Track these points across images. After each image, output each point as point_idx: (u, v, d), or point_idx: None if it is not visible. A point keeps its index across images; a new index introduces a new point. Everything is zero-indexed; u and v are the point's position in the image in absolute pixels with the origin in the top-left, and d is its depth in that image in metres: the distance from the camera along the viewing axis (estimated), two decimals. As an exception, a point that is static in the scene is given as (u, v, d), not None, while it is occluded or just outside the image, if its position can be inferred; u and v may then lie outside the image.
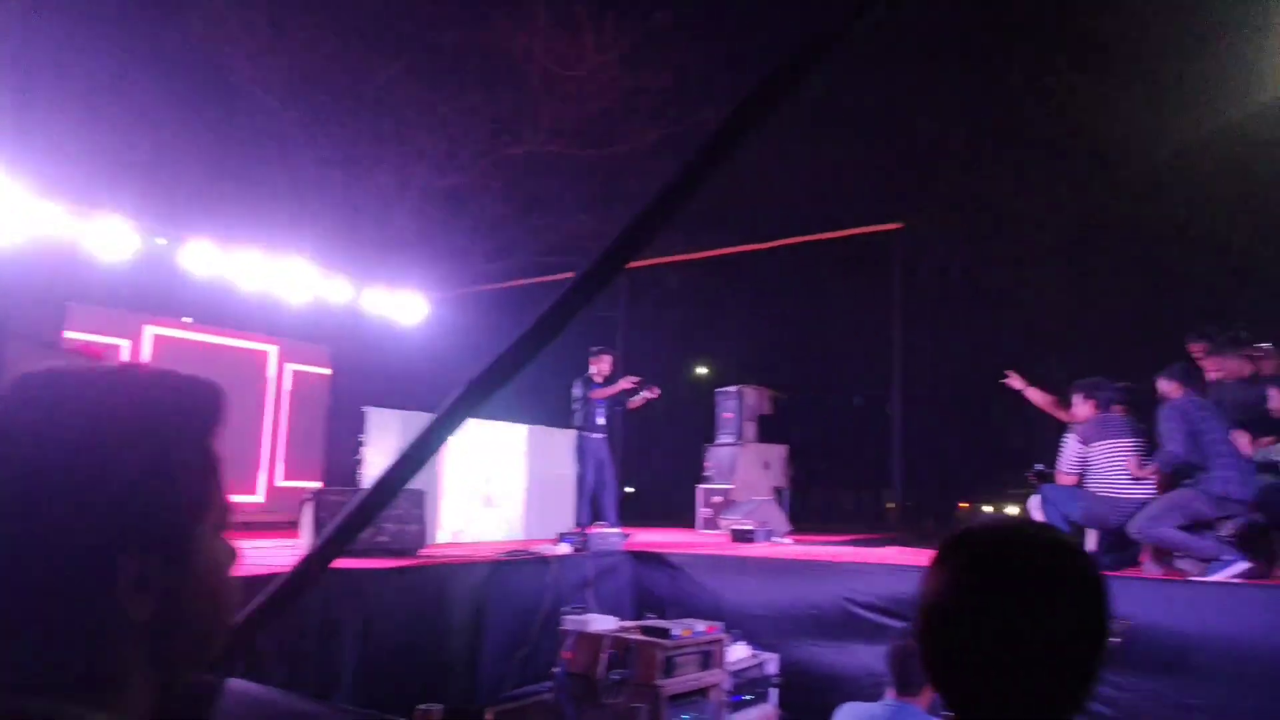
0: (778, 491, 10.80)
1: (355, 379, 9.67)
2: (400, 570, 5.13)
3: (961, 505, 32.85)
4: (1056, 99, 19.37)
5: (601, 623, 4.32)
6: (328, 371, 9.90)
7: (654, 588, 6.21)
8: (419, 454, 1.11)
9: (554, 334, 1.06)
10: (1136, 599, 4.82)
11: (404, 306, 10.85)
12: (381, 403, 7.42)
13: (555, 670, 4.22)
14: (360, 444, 7.30)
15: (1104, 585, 0.99)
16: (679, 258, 17.50)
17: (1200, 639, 4.58)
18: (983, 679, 0.96)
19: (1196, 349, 6.15)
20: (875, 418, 21.35)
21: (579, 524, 7.99)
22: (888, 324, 11.17)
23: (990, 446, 20.55)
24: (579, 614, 4.60)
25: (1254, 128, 18.21)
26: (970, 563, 1.01)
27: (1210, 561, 5.05)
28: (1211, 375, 5.88)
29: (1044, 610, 0.96)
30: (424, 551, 5.84)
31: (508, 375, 1.08)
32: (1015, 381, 6.51)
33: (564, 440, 9.04)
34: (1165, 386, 5.51)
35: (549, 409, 9.73)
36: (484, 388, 1.07)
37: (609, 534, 6.50)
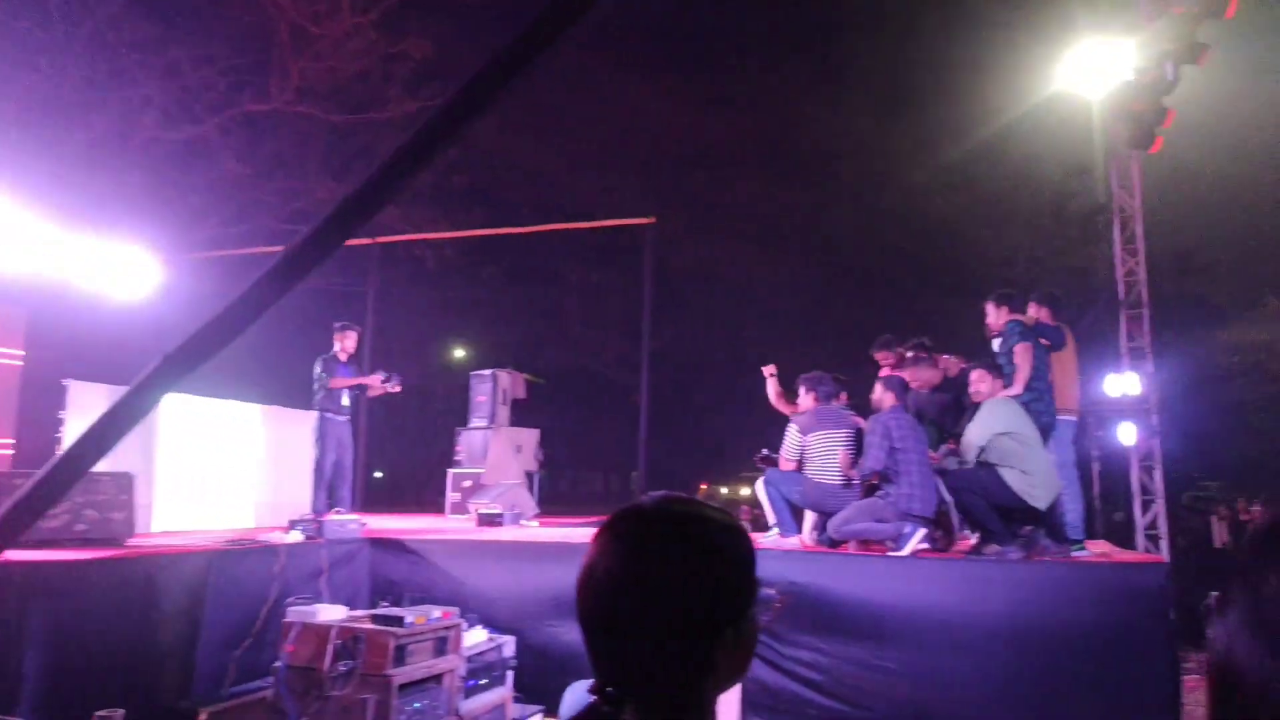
0: (529, 475, 10.88)
1: (59, 351, 8.55)
2: (103, 562, 4.65)
3: (702, 486, 34.83)
4: (800, 109, 20.98)
5: (330, 613, 4.16)
6: (19, 351, 8.66)
7: (392, 575, 6.05)
8: (106, 433, 1.01)
9: (262, 308, 1.00)
10: (840, 573, 5.37)
11: (126, 269, 9.70)
12: (97, 377, 6.65)
13: (277, 665, 4.00)
14: (60, 421, 6.53)
15: (745, 559, 1.08)
16: (437, 235, 17.11)
17: (894, 608, 5.18)
18: (622, 644, 1.01)
19: (883, 359, 6.91)
20: (625, 403, 22.05)
21: (315, 510, 7.62)
22: (638, 313, 11.56)
23: (729, 431, 21.90)
24: (307, 604, 4.39)
25: (973, 162, 20.77)
26: (620, 533, 1.07)
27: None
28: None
29: (680, 578, 1.02)
30: (133, 541, 5.33)
31: (210, 350, 1.01)
32: (769, 370, 7.13)
33: (301, 421, 8.57)
34: (881, 395, 6.11)
35: (285, 387, 9.18)
36: (182, 362, 0.99)
37: (345, 521, 6.25)
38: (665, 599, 1.01)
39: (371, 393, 8.40)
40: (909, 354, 6.68)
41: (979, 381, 5.76)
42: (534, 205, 21.41)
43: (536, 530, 8.07)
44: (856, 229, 21.23)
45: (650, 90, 21.22)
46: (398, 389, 8.33)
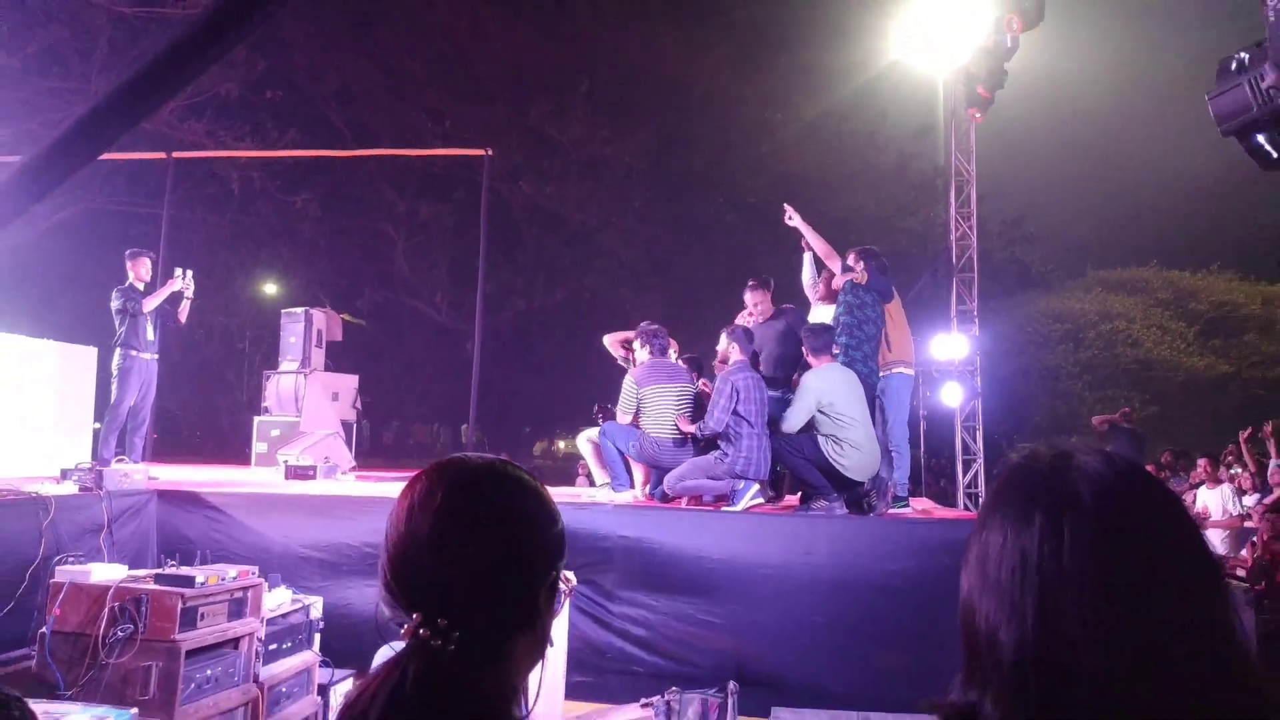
0: (346, 425, 10.52)
1: None
2: None
3: (540, 442, 34.93)
4: (652, 48, 20.96)
5: (106, 572, 3.87)
6: None
7: (187, 532, 5.72)
8: None
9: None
10: (672, 528, 5.52)
11: None
12: None
13: (42, 631, 3.70)
14: None
15: (548, 523, 1.12)
16: (243, 154, 16.00)
17: (724, 563, 5.38)
18: (429, 606, 1.02)
19: (758, 299, 7.08)
20: (458, 350, 21.65)
21: (100, 458, 7.10)
22: (473, 254, 11.31)
23: (569, 383, 21.95)
24: (80, 564, 4.07)
25: (826, 120, 21.40)
26: (425, 493, 1.08)
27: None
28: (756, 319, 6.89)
29: (484, 540, 1.05)
30: None
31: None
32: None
33: (76, 357, 7.92)
34: (726, 347, 6.25)
35: (67, 320, 8.44)
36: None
37: (129, 470, 5.83)
38: (469, 561, 1.04)
39: (183, 315, 7.87)
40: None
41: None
42: (357, 130, 20.42)
43: (351, 484, 7.84)
44: (707, 179, 21.56)
45: (490, 10, 20.53)
46: (190, 286, 7.84)
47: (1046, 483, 0.84)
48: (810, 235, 6.66)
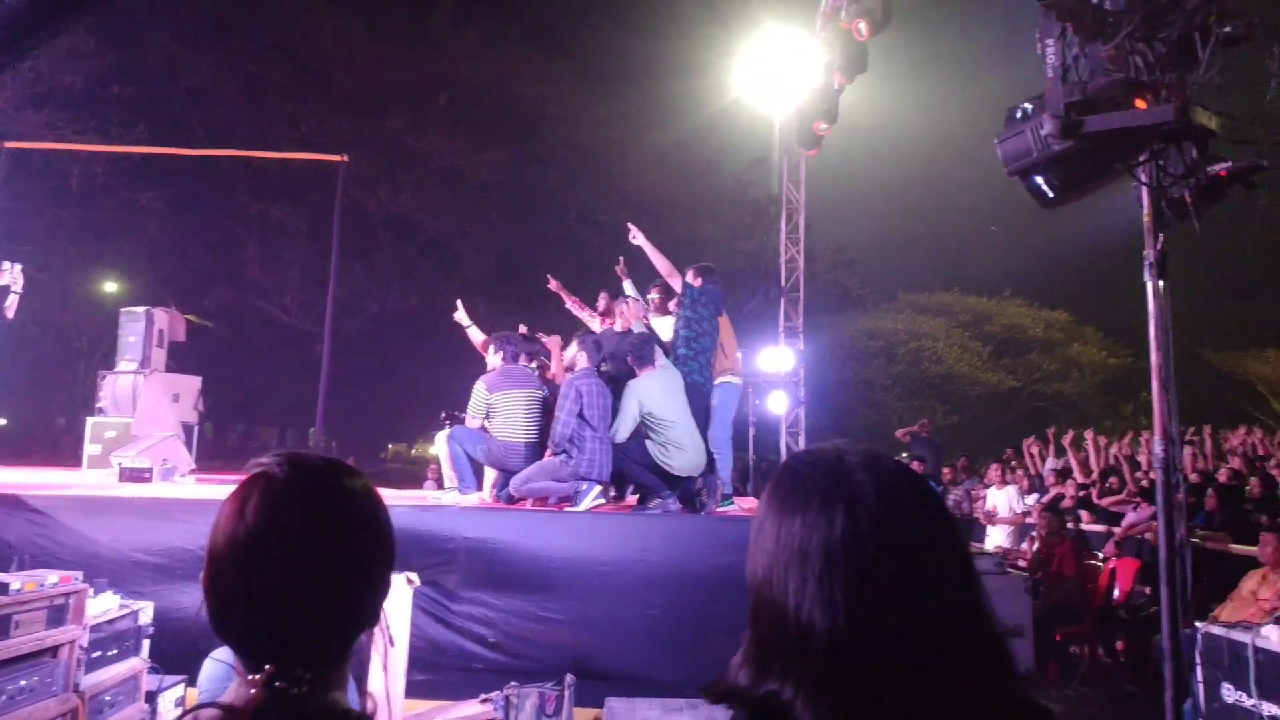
0: (186, 427, 9.84)
1: None
2: None
3: (391, 446, 33.81)
4: (505, 66, 20.80)
5: (-92, 581, 3.47)
6: None
7: (5, 535, 5.20)
8: None
9: None
10: (516, 529, 5.46)
11: None
12: None
13: None
14: None
15: (381, 527, 1.07)
16: (84, 147, 14.77)
17: (564, 561, 5.35)
18: (256, 614, 0.96)
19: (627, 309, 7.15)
20: (307, 353, 20.71)
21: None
22: (325, 258, 10.86)
23: (419, 388, 21.38)
24: (-124, 572, 3.63)
25: (676, 146, 21.77)
26: (251, 497, 1.01)
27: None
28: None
29: (315, 545, 0.99)
30: None
31: None
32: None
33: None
34: (575, 354, 6.24)
35: None
36: None
37: (-59, 472, 5.26)
38: (300, 566, 0.97)
39: (9, 310, 7.16)
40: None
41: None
42: (212, 131, 19.27)
43: (190, 486, 7.35)
44: (561, 195, 21.56)
45: (352, 23, 19.86)
46: (19, 280, 7.17)
47: (835, 481, 0.86)
48: (652, 253, 6.75)
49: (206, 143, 18.49)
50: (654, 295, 7.17)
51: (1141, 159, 2.94)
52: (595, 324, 7.47)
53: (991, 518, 9.77)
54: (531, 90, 21.06)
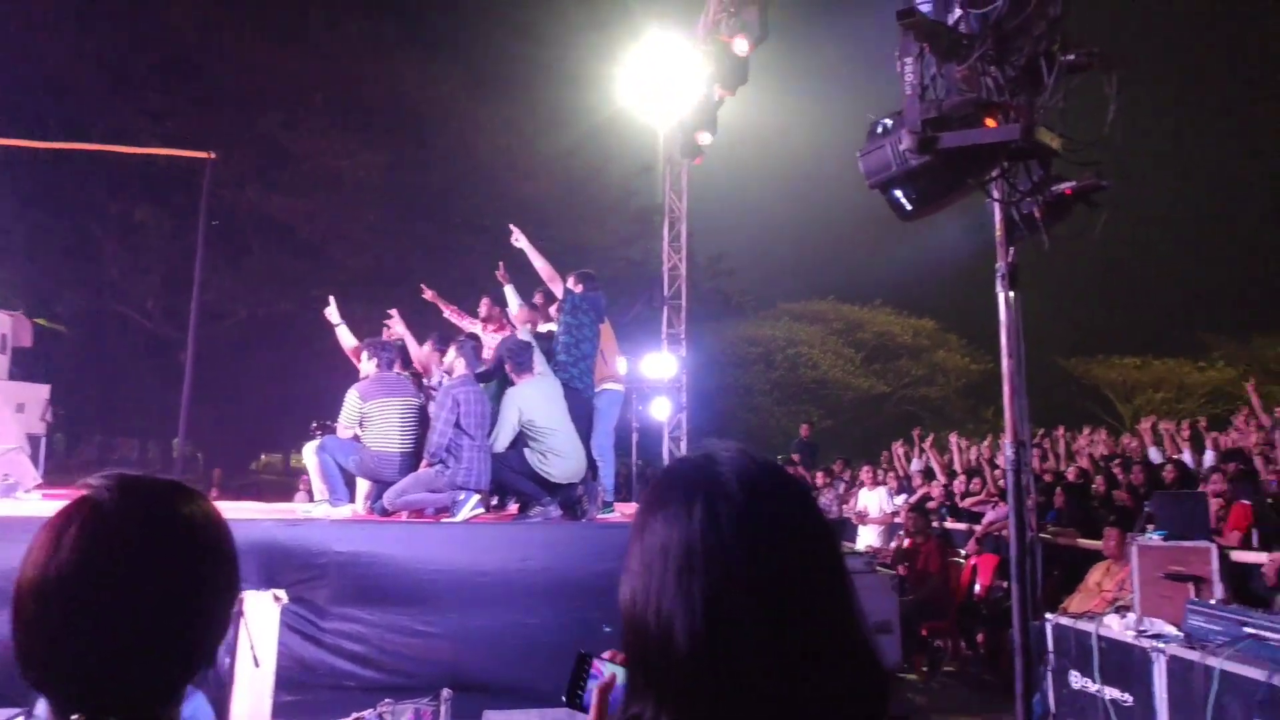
0: (33, 438, 9.13)
1: None
2: None
3: (264, 456, 32.35)
4: (385, 67, 20.27)
5: None
6: None
7: None
8: None
9: None
10: (390, 541, 5.29)
11: None
12: None
13: None
14: None
15: (222, 554, 1.00)
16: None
17: (442, 574, 5.22)
18: (81, 651, 0.88)
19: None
20: (171, 361, 19.58)
21: None
22: (190, 262, 10.29)
23: (291, 397, 20.51)
24: None
25: (562, 154, 21.67)
26: (72, 528, 0.93)
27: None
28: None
29: (146, 577, 0.92)
30: None
31: None
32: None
33: None
34: (453, 360, 6.08)
35: None
36: None
37: None
38: (120, 607, 0.89)
39: None
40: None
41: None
42: (66, 124, 17.97)
43: (36, 503, 6.80)
44: (444, 198, 21.14)
45: (222, 15, 18.95)
46: None
47: (700, 477, 0.84)
48: (535, 257, 6.69)
49: (60, 135, 17.24)
50: (537, 300, 7.11)
51: (993, 175, 3.10)
52: (478, 331, 7.34)
53: (863, 518, 10.12)
54: (414, 92, 20.60)
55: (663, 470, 0.91)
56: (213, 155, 9.46)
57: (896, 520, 9.78)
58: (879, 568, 7.83)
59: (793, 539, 0.81)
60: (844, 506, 10.77)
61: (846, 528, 10.32)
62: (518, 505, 6.23)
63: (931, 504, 9.65)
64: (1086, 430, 12.35)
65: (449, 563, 5.26)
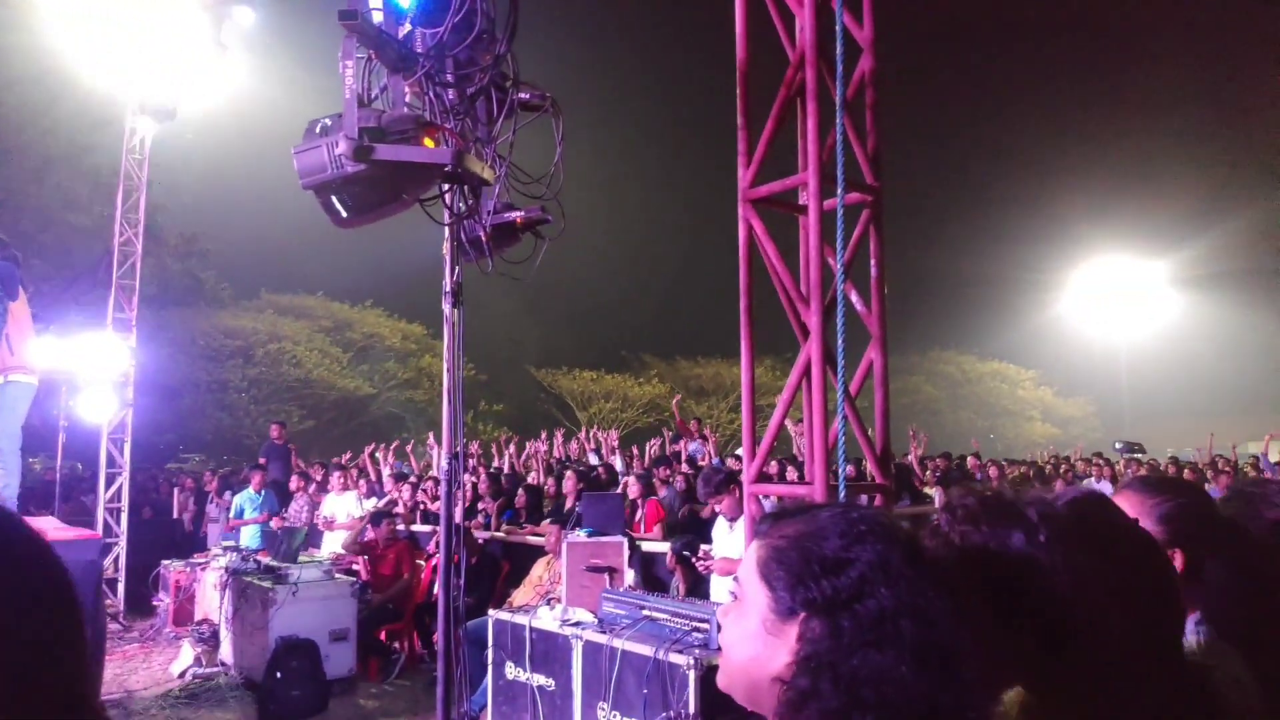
0: None
1: None
2: None
3: None
4: None
5: None
6: None
7: None
8: None
9: None
10: None
11: None
12: None
13: None
14: None
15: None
16: None
17: None
18: None
19: None
20: None
21: None
22: None
23: None
24: None
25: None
26: None
27: None
28: None
29: None
30: None
31: None
32: None
33: None
34: None
35: None
36: None
37: None
38: None
39: None
40: None
41: None
42: None
43: None
44: None
45: None
46: None
47: None
48: None
49: None
50: None
51: (435, 195, 3.17)
52: None
53: (330, 524, 9.77)
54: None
55: None
56: None
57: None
58: (337, 575, 7.60)
59: None
60: (312, 513, 10.28)
61: (314, 534, 9.87)
62: None
63: (400, 509, 9.69)
64: (544, 433, 13.60)
65: None
